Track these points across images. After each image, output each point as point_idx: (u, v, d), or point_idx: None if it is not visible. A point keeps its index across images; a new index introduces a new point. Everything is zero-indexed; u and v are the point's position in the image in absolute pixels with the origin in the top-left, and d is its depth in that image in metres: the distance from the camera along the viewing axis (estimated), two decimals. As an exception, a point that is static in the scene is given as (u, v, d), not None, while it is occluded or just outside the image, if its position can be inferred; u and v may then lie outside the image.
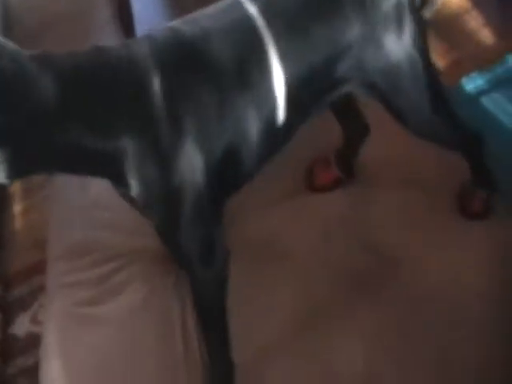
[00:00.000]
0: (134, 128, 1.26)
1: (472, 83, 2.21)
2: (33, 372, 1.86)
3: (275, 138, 1.46)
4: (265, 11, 1.37)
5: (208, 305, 1.48)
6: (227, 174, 1.41)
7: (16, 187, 2.61)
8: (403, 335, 1.58)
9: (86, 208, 1.92)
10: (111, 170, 1.30)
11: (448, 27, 2.64)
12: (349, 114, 1.84)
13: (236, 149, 1.39)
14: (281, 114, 1.42)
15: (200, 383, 1.55)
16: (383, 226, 1.77)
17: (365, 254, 1.71)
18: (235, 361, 1.52)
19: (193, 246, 1.40)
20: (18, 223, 2.53)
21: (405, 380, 1.52)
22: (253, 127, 1.39)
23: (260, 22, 1.36)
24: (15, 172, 1.20)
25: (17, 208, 2.58)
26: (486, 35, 2.61)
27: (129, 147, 1.26)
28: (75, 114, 1.20)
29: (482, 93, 2.18)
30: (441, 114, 1.60)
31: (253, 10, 1.37)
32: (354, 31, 1.41)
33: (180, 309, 1.66)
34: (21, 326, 2.20)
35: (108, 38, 3.28)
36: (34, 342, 2.04)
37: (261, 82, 1.37)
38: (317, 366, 1.56)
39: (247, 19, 1.37)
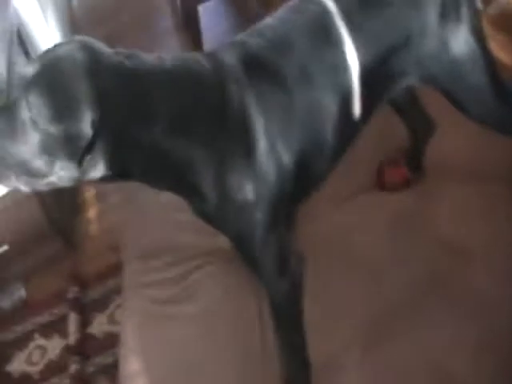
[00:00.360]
0: (213, 137, 1.29)
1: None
2: (112, 370, 1.93)
3: (348, 126, 1.48)
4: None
5: (284, 311, 1.48)
6: (302, 177, 1.42)
7: (91, 191, 2.70)
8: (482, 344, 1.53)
9: (160, 209, 1.97)
10: (188, 180, 1.32)
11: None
12: (412, 112, 1.85)
13: (310, 148, 1.41)
14: (355, 108, 1.44)
15: (277, 378, 1.55)
16: (453, 221, 1.76)
17: (437, 251, 1.70)
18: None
19: (268, 258, 1.41)
20: (93, 227, 2.61)
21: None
22: (327, 121, 1.41)
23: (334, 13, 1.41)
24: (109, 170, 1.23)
25: (92, 212, 2.67)
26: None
27: (207, 156, 1.29)
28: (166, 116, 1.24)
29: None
30: (503, 100, 1.59)
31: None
32: (406, 20, 1.45)
33: (256, 306, 1.67)
34: (98, 326, 2.27)
35: (173, 47, 3.37)
36: (112, 341, 2.11)
37: (337, 75, 1.40)
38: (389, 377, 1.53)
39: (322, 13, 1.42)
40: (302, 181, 1.42)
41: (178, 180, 1.34)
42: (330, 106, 1.41)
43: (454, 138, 1.90)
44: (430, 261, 1.68)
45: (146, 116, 1.22)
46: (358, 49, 1.41)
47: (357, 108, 1.46)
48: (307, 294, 1.48)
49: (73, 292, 2.44)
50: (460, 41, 1.49)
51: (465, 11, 1.47)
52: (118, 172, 1.26)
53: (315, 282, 1.54)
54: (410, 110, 1.85)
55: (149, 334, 1.73)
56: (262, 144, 1.31)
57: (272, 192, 1.35)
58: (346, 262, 1.72)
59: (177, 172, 1.31)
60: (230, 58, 1.35)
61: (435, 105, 1.81)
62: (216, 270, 1.78)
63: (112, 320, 2.26)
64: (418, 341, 1.54)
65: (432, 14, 1.46)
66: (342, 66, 1.41)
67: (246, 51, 1.38)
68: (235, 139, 1.31)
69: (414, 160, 1.94)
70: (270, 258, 1.41)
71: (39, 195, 2.22)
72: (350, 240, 1.78)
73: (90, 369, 2.20)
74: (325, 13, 1.42)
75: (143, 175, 1.32)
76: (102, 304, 2.34)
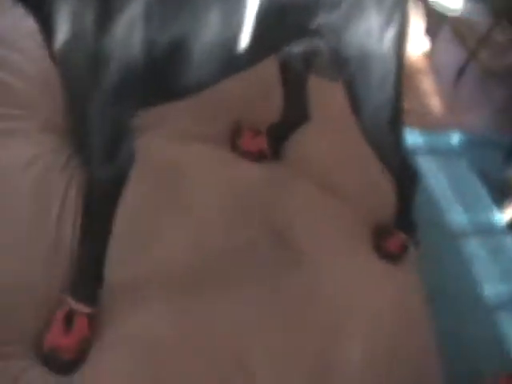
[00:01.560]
0: None
1: (412, 137, 2.21)
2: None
3: (229, 54, 1.31)
4: None
5: (98, 204, 1.28)
6: (167, 70, 1.25)
7: None
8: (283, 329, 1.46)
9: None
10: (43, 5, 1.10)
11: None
12: (297, 94, 1.75)
13: (186, 46, 1.23)
14: (243, 35, 1.28)
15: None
16: (295, 216, 1.66)
17: (269, 235, 1.59)
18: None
19: (101, 131, 1.21)
20: None
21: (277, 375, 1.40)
22: (211, 32, 1.24)
23: None
24: None
25: None
26: (435, 102, 2.65)
27: None
28: None
29: (418, 151, 2.18)
30: (394, 126, 1.55)
31: None
32: None
33: (63, 189, 1.46)
34: None
35: None
36: None
37: None
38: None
39: None
40: (163, 75, 1.25)
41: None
42: (215, 24, 1.24)
43: (322, 140, 1.84)
44: (257, 239, 1.57)
45: None
46: None
47: (243, 41, 1.29)
48: (128, 214, 1.33)
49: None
50: (381, 37, 1.41)
51: (398, 17, 1.41)
52: None
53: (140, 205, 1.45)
54: (296, 91, 1.74)
55: None
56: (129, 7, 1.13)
57: (130, 57, 1.16)
58: (175, 203, 1.58)
59: None
60: None
61: (319, 100, 1.76)
62: (35, 131, 1.55)
63: None
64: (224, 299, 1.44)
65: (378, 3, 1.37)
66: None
67: None
68: None
69: (275, 139, 1.83)
70: (102, 132, 1.21)
71: None
72: (187, 183, 1.63)
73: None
74: None
75: None
76: None
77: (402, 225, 1.72)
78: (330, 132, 1.87)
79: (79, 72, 1.14)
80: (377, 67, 1.45)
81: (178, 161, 1.68)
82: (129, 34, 1.13)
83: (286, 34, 1.39)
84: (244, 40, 1.28)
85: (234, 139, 1.83)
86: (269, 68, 1.73)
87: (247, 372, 1.36)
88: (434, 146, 2.24)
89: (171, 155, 1.68)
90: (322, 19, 1.36)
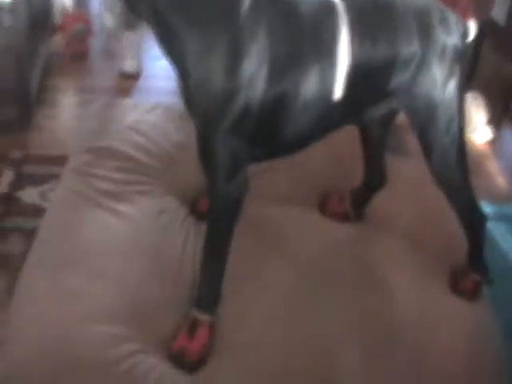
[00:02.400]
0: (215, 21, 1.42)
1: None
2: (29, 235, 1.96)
3: (323, 113, 1.60)
4: (347, 3, 1.57)
5: (220, 221, 1.58)
6: (274, 118, 1.54)
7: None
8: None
9: (122, 130, 2.08)
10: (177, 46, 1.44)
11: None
12: (376, 159, 2.00)
13: (291, 99, 1.52)
14: (335, 93, 1.57)
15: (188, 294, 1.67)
16: (379, 262, 1.89)
17: (356, 272, 1.84)
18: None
19: (224, 154, 1.50)
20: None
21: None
22: (309, 91, 1.53)
23: (342, 9, 1.56)
24: None
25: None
26: (500, 181, 2.89)
27: (201, 35, 1.42)
28: None
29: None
30: (461, 165, 1.76)
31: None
32: (412, 50, 1.61)
33: (184, 237, 1.80)
34: (28, 196, 2.29)
35: None
36: (35, 212, 2.13)
37: (328, 55, 1.54)
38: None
39: (331, 4, 1.57)
40: (271, 123, 1.55)
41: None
42: (311, 85, 1.54)
43: (398, 199, 2.09)
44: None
45: None
46: (352, 50, 1.55)
47: (334, 103, 1.58)
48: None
49: (15, 155, 2.57)
50: (445, 86, 1.66)
51: (458, 68, 1.67)
52: None
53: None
54: (375, 156, 2.00)
55: (74, 214, 1.78)
56: (255, 55, 1.44)
57: (250, 97, 1.45)
58: (276, 251, 1.86)
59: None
60: None
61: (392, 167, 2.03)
62: (159, 194, 1.90)
63: (43, 197, 2.28)
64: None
65: (436, 53, 1.64)
66: (331, 58, 1.54)
67: None
68: (241, 29, 1.43)
69: (358, 201, 2.08)
70: (225, 156, 1.51)
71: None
72: (284, 233, 1.92)
73: (9, 224, 2.22)
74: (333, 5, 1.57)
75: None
76: (38, 180, 2.40)
77: (474, 266, 1.90)
78: (404, 194, 2.12)
79: (211, 106, 1.46)
80: (442, 114, 1.69)
81: (274, 220, 1.97)
82: (255, 76, 1.45)
83: (370, 95, 1.67)
84: (335, 99, 1.58)
85: (322, 203, 2.11)
86: (349, 144, 2.07)
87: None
88: (501, 213, 2.46)
89: (268, 215, 1.97)
90: (396, 80, 1.64)
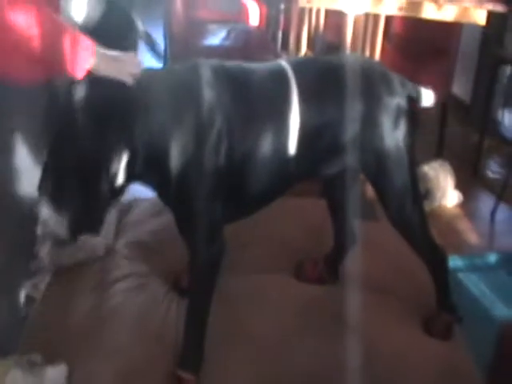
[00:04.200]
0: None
1: (452, 262, 2.52)
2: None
3: (281, 168, 1.77)
4: (295, 70, 1.77)
5: (202, 282, 1.73)
6: (240, 177, 1.72)
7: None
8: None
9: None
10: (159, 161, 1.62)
11: (439, 223, 3.02)
12: (343, 221, 2.14)
13: (252, 157, 1.71)
14: (290, 150, 1.74)
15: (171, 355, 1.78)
16: (355, 314, 1.98)
17: (333, 323, 1.95)
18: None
19: (204, 221, 1.68)
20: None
21: None
22: (266, 150, 1.71)
23: (291, 76, 1.75)
24: None
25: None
26: (472, 238, 3.01)
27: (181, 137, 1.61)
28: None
29: (459, 270, 2.48)
30: (416, 207, 1.89)
31: (287, 66, 1.78)
32: (357, 110, 1.78)
33: (166, 308, 1.95)
34: None
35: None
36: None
37: (281, 117, 1.72)
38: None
39: (282, 71, 1.77)
40: (237, 187, 1.73)
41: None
42: (268, 144, 1.72)
43: (373, 257, 2.24)
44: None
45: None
46: (301, 111, 1.73)
47: (290, 158, 1.76)
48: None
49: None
50: (392, 138, 1.82)
51: (403, 120, 1.83)
52: None
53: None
54: (342, 219, 2.14)
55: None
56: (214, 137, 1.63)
57: (218, 169, 1.65)
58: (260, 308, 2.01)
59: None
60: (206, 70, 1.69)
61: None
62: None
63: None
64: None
65: (380, 110, 1.80)
66: (284, 120, 1.73)
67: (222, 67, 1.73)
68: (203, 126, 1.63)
69: (331, 265, 2.21)
70: (205, 222, 1.68)
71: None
72: (266, 295, 2.07)
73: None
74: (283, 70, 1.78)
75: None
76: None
77: (443, 307, 2.01)
78: (373, 252, 2.26)
79: (191, 185, 1.65)
80: (393, 165, 1.84)
81: (253, 288, 2.10)
82: (218, 144, 1.64)
83: (321, 151, 1.82)
84: (290, 155, 1.74)
85: (297, 270, 2.23)
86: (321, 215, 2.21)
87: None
88: (473, 264, 2.55)
89: (250, 283, 2.11)
90: (345, 136, 1.80)
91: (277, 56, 3.87)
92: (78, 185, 1.50)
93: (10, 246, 1.65)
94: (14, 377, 1.64)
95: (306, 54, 4.32)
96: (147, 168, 1.60)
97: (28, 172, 1.61)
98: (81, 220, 1.54)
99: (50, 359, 1.71)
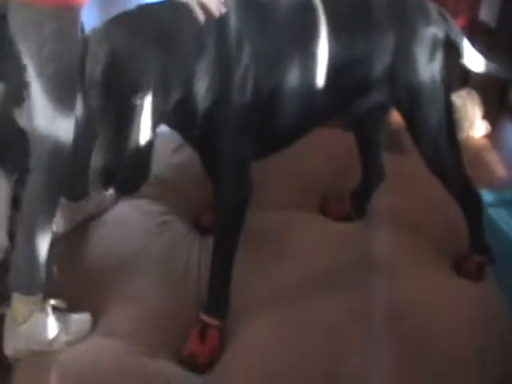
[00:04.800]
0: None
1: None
2: None
3: (309, 104, 1.68)
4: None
5: (229, 225, 1.66)
6: (267, 113, 1.63)
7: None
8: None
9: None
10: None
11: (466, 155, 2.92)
12: (373, 157, 2.07)
13: (279, 93, 1.62)
14: (318, 84, 1.65)
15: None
16: (384, 254, 1.94)
17: (362, 262, 1.90)
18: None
19: (232, 160, 1.61)
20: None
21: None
22: (294, 84, 1.62)
23: (318, 4, 1.65)
24: None
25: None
26: (500, 171, 2.92)
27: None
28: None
29: (489, 205, 2.41)
30: (452, 146, 1.80)
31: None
32: (389, 42, 1.68)
33: (188, 249, 1.91)
34: None
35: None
36: None
37: (309, 50, 1.63)
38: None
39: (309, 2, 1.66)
40: (265, 118, 1.63)
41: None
42: (295, 78, 1.63)
43: (402, 193, 2.16)
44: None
45: None
46: (329, 43, 1.63)
47: (318, 94, 1.67)
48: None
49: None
50: (428, 72, 1.71)
51: (439, 52, 1.72)
52: None
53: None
54: (371, 154, 2.07)
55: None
56: (241, 71, 1.54)
57: (246, 103, 1.56)
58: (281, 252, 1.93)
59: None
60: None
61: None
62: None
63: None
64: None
65: (415, 41, 1.69)
66: (312, 52, 1.63)
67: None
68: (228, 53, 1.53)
69: (357, 201, 2.15)
70: (234, 160, 1.61)
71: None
72: (288, 237, 1.99)
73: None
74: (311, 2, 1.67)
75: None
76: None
77: (476, 248, 1.95)
78: (402, 188, 2.18)
79: (219, 121, 1.56)
80: (427, 100, 1.74)
81: (280, 227, 2.04)
82: (243, 80, 1.54)
83: (351, 86, 1.72)
84: (318, 90, 1.65)
85: (322, 206, 2.17)
86: (344, 145, 2.13)
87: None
88: (502, 199, 2.48)
89: (273, 222, 2.04)
90: (376, 70, 1.70)
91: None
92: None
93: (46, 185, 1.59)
94: (37, 319, 1.60)
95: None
96: (176, 107, 1.49)
97: None
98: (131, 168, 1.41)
99: (74, 305, 1.68)
